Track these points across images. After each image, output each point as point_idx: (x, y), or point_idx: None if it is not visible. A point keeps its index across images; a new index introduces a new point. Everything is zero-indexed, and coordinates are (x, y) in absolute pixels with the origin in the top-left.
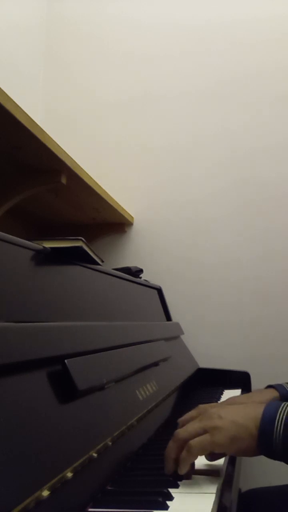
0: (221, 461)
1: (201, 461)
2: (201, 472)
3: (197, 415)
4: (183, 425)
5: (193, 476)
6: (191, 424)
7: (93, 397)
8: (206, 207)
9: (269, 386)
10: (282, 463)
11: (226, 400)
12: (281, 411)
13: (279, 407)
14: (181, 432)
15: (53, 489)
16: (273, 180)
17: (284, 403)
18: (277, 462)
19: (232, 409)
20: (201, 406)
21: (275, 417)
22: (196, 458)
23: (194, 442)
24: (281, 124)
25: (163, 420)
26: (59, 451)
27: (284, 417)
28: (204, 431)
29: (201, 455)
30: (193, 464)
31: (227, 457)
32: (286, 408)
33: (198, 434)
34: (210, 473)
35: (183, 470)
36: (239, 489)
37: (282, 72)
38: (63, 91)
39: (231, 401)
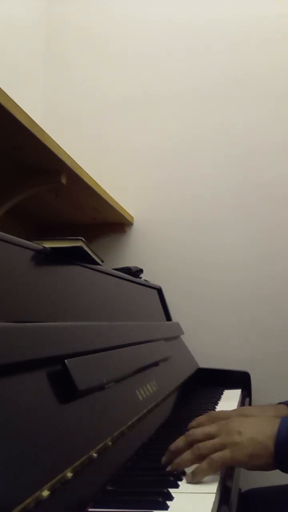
0: None
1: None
2: None
3: (207, 421)
4: (191, 427)
5: None
6: (208, 432)
7: (93, 397)
8: (206, 207)
9: (280, 403)
10: None
11: (238, 410)
12: None
13: None
14: (201, 447)
15: (53, 489)
16: (273, 180)
17: None
18: None
19: (249, 424)
20: (212, 413)
21: None
22: (214, 473)
23: (216, 457)
24: (281, 124)
25: (163, 420)
26: (59, 451)
27: None
28: (224, 447)
29: (220, 470)
30: None
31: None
32: None
33: (217, 450)
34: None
35: (197, 480)
36: (239, 489)
37: (282, 72)
38: (63, 91)
39: (243, 412)
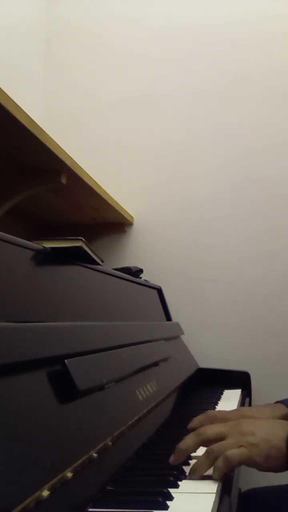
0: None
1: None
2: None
3: (207, 421)
4: (192, 427)
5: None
6: (220, 430)
7: (93, 397)
8: (206, 207)
9: (277, 402)
10: None
11: (236, 410)
12: None
13: None
14: (216, 450)
15: (53, 489)
16: (273, 180)
17: None
18: None
19: (261, 426)
20: (210, 412)
21: None
22: (231, 470)
23: (232, 454)
24: (281, 124)
25: (163, 420)
26: (59, 451)
27: None
28: (240, 447)
29: (236, 467)
30: None
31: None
32: None
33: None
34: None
35: (217, 477)
36: (239, 489)
37: (283, 72)
38: (63, 91)
39: (241, 412)
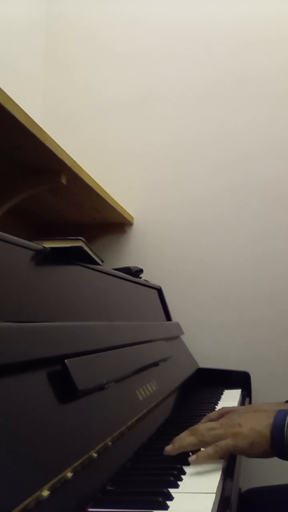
0: (221, 460)
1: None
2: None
3: (218, 414)
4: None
5: (193, 475)
6: (213, 426)
7: (93, 397)
8: (206, 207)
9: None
10: (282, 464)
11: (244, 407)
12: None
13: (287, 414)
14: (205, 433)
15: (53, 489)
16: (273, 180)
17: None
18: (276, 462)
19: (248, 417)
20: (225, 407)
21: (284, 423)
22: (218, 458)
23: (221, 444)
24: (282, 124)
25: (163, 420)
26: (59, 451)
27: None
28: (226, 437)
29: (223, 457)
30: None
31: (227, 456)
32: None
33: (218, 439)
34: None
35: (201, 462)
36: (239, 489)
37: (283, 72)
38: (63, 91)
39: (246, 409)
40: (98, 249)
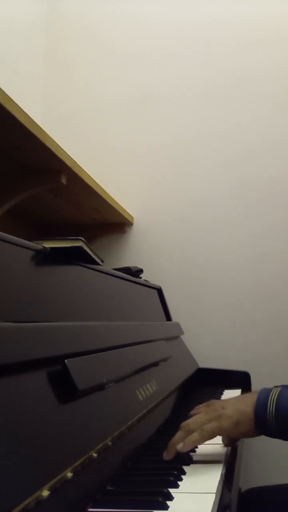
0: (221, 460)
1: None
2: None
3: (205, 406)
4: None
5: (193, 475)
6: (199, 416)
7: (93, 397)
8: (206, 207)
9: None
10: (282, 464)
11: (230, 397)
12: (271, 395)
13: (270, 392)
14: (191, 424)
15: (53, 489)
16: (273, 180)
17: (274, 388)
18: (276, 462)
19: (232, 400)
20: (212, 400)
21: (267, 401)
22: (204, 441)
23: (206, 427)
24: (282, 124)
25: (163, 420)
26: (59, 451)
27: (275, 399)
28: (211, 421)
29: (209, 439)
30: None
31: (227, 456)
32: (276, 393)
33: (206, 424)
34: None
35: (186, 448)
36: (239, 488)
37: (283, 72)
38: (63, 91)
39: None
40: (98, 249)
